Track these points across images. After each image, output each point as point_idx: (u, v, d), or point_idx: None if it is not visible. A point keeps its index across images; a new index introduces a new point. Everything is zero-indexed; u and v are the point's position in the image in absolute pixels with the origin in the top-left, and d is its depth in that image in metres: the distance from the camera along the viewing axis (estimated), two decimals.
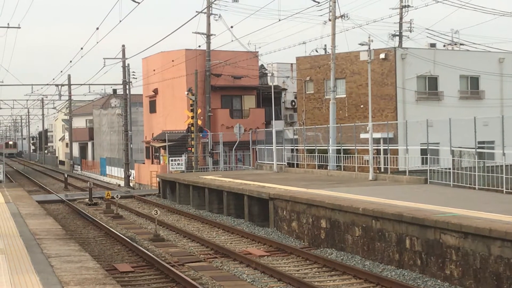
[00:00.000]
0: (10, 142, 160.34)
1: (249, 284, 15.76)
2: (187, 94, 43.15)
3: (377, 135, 33.11)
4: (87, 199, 36.70)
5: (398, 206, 18.33)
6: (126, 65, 56.05)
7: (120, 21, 35.04)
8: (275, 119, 39.61)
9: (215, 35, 48.63)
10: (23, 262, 13.18)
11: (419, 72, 40.52)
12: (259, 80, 52.45)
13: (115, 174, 61.23)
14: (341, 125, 35.89)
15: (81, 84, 71.16)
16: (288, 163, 37.74)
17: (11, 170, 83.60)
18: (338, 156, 33.26)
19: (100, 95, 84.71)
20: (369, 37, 28.55)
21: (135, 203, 36.76)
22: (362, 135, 33.94)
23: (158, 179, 41.29)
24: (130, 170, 53.47)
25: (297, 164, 37.15)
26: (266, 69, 54.96)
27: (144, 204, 35.87)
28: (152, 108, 52.76)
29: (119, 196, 32.75)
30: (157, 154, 51.17)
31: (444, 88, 41.66)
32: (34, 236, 16.69)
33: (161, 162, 49.09)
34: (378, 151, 32.10)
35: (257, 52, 51.33)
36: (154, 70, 50.49)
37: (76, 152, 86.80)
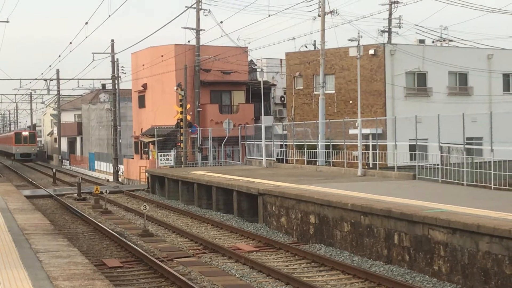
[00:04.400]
0: (25, 133, 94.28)
1: (238, 280, 15.78)
2: (176, 89, 43.08)
3: (366, 131, 33.16)
4: (76, 194, 36.59)
5: (387, 202, 18.39)
6: (115, 60, 55.87)
7: (110, 15, 35.02)
8: (264, 115, 39.60)
9: (204, 30, 48.46)
10: (11, 257, 13.13)
11: (408, 68, 40.62)
12: (249, 76, 52.41)
13: (104, 169, 61.09)
14: (330, 120, 35.95)
15: (70, 79, 71.13)
16: (277, 159, 37.76)
17: None
18: (327, 151, 33.32)
19: (89, 90, 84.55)
20: (358, 33, 28.62)
21: (124, 198, 36.70)
22: (351, 131, 33.98)
23: (147, 174, 41.22)
24: (119, 165, 53.35)
25: (286, 159, 37.19)
26: (256, 65, 54.90)
27: (133, 199, 35.82)
28: (141, 103, 52.65)
29: (108, 191, 32.68)
30: (146, 149, 51.06)
31: (432, 84, 41.79)
32: (23, 231, 16.63)
33: (150, 157, 49.00)
34: (367, 147, 32.17)
35: (247, 47, 51.28)
36: (143, 65, 50.36)
37: (64, 147, 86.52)
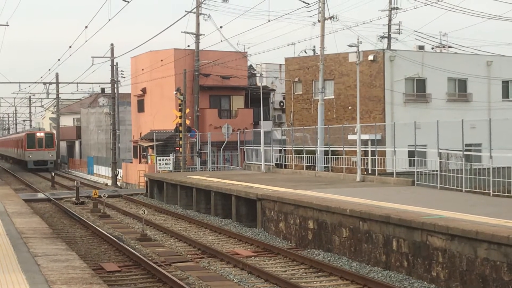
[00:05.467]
0: (39, 135, 74.47)
1: (236, 285, 15.76)
2: (176, 93, 43.07)
3: (365, 136, 33.16)
4: (74, 198, 36.56)
5: (386, 207, 18.37)
6: (115, 64, 55.91)
7: (109, 19, 35.00)
8: (263, 120, 39.66)
9: (204, 35, 48.58)
10: (9, 260, 13.11)
11: (408, 74, 40.65)
12: (248, 81, 52.44)
13: (102, 173, 61.05)
14: (329, 126, 35.95)
15: (69, 83, 71.04)
16: (276, 164, 37.74)
17: None
18: (326, 157, 33.30)
19: (88, 93, 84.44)
20: (358, 39, 28.66)
21: (123, 202, 36.67)
22: (350, 137, 34.00)
23: (145, 178, 41.20)
24: (117, 169, 53.33)
25: (285, 164, 37.17)
26: (255, 70, 54.94)
27: (132, 204, 35.79)
28: (140, 107, 52.66)
29: (106, 195, 32.68)
30: (145, 153, 51.06)
31: (432, 90, 41.82)
32: (21, 235, 16.61)
33: (149, 161, 48.99)
34: (366, 153, 32.17)
35: (246, 52, 51.33)
36: (142, 69, 50.39)
37: (63, 150, 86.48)
